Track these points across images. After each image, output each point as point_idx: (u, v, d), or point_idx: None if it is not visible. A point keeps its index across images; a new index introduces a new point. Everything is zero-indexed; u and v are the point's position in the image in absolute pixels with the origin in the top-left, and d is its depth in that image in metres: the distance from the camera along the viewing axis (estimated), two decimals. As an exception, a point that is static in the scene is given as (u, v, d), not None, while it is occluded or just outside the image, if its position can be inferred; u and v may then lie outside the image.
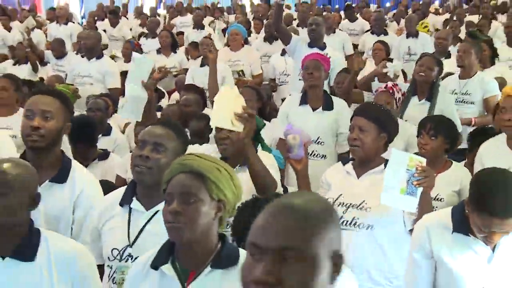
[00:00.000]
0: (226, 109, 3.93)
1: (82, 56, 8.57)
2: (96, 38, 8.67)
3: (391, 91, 5.58)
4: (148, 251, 2.81)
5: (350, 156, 4.22)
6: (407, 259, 3.28)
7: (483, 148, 4.78)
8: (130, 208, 3.18)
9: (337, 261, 1.69)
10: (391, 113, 4.13)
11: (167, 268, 2.52)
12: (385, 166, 3.79)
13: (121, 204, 3.21)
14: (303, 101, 5.87)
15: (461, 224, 3.03)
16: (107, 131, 5.97)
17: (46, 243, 2.79)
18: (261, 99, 5.59)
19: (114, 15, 14.72)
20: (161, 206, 2.96)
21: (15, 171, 2.75)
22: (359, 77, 7.04)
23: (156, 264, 2.55)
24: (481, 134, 5.21)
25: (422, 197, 3.52)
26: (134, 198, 3.19)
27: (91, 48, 8.36)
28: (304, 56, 6.19)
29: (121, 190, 3.31)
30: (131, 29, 15.40)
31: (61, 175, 3.46)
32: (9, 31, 13.41)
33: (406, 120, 5.75)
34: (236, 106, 3.93)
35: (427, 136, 4.71)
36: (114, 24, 14.17)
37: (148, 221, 3.13)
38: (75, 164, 3.60)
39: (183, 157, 2.63)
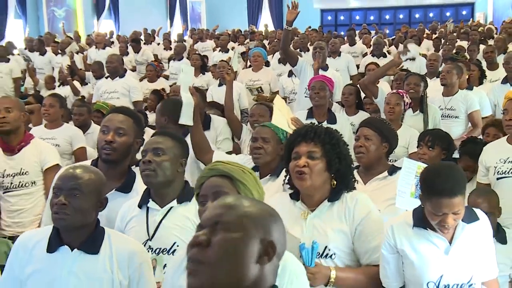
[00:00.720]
0: (282, 114, 4.16)
1: (106, 78, 8.88)
2: (118, 61, 8.93)
3: (401, 95, 5.73)
4: (164, 242, 3.04)
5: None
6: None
7: (486, 146, 4.86)
8: (148, 208, 3.27)
9: (267, 247, 1.77)
10: (392, 127, 4.20)
11: None
12: (388, 173, 3.86)
13: (140, 206, 3.30)
14: (310, 116, 5.93)
15: (420, 219, 3.02)
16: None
17: (109, 239, 2.84)
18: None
19: (136, 42, 14.93)
20: (173, 203, 3.22)
21: (87, 176, 2.80)
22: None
23: None
24: (470, 143, 5.25)
25: None
26: (150, 199, 3.28)
27: (114, 70, 8.71)
28: (311, 78, 6.28)
29: (139, 195, 3.40)
30: (157, 55, 15.55)
31: (126, 186, 3.54)
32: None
33: None
34: (288, 113, 4.20)
35: (426, 147, 4.79)
36: (137, 50, 14.35)
37: (164, 217, 3.22)
38: (138, 176, 3.63)
39: (212, 163, 2.68)
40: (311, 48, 10.17)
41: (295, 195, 3.06)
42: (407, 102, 5.81)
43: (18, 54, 13.32)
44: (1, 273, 2.91)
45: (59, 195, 2.73)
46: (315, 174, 2.92)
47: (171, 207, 3.26)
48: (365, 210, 3.01)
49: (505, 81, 7.71)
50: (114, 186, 3.49)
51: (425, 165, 3.63)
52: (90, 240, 2.79)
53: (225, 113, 6.07)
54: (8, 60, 11.47)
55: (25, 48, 13.86)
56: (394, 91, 5.85)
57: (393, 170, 3.90)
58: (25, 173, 4.68)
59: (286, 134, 4.13)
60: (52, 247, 2.78)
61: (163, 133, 3.46)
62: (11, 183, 4.67)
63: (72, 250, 2.77)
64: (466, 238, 2.99)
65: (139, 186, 3.53)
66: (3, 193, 4.71)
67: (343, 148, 3.06)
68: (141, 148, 3.55)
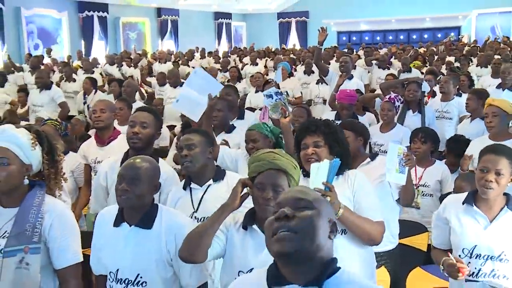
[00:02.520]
0: None
1: (170, 86, 9.16)
2: (176, 75, 9.26)
3: (392, 101, 5.68)
4: (206, 212, 3.01)
5: None
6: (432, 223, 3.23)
7: (471, 142, 4.85)
8: (191, 188, 3.32)
9: (333, 226, 1.77)
10: (363, 124, 4.17)
11: (256, 227, 2.58)
12: (370, 159, 3.83)
13: (184, 188, 3.34)
14: (337, 118, 5.82)
15: (470, 198, 2.97)
16: None
17: (161, 216, 2.79)
18: (310, 115, 5.58)
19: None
20: (210, 182, 3.33)
21: (145, 166, 2.76)
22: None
23: (246, 225, 2.60)
24: (454, 142, 5.25)
25: (408, 174, 3.60)
26: (191, 182, 3.32)
27: (175, 81, 9.05)
28: (341, 93, 6.15)
29: (182, 182, 3.46)
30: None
31: None
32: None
33: (405, 126, 5.85)
34: None
35: (420, 142, 4.76)
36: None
37: (204, 193, 3.29)
38: (161, 159, 3.66)
39: (270, 157, 2.61)
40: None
41: (307, 174, 2.98)
42: (398, 105, 5.82)
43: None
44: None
45: (122, 182, 2.71)
46: (321, 158, 2.92)
47: (209, 185, 3.30)
48: (362, 180, 3.01)
49: (499, 86, 7.65)
50: None
51: (404, 147, 3.65)
52: (145, 217, 2.76)
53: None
54: (93, 72, 11.66)
55: (105, 64, 14.10)
56: (387, 98, 5.77)
57: (373, 156, 3.89)
58: None
59: (271, 129, 4.12)
60: (117, 223, 2.78)
61: (192, 131, 3.49)
62: None
63: (130, 226, 2.76)
64: (507, 221, 2.89)
65: (162, 167, 3.51)
66: (94, 175, 4.69)
67: (340, 135, 3.08)
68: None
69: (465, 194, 3.06)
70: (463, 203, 2.99)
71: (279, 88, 6.44)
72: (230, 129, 5.03)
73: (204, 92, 4.29)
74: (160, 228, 2.76)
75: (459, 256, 2.92)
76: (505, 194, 2.94)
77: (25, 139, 2.70)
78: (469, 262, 2.89)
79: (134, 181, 2.70)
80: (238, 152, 4.33)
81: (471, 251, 2.90)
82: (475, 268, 2.88)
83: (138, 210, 2.76)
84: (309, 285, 1.69)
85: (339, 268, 1.74)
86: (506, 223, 2.88)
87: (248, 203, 2.64)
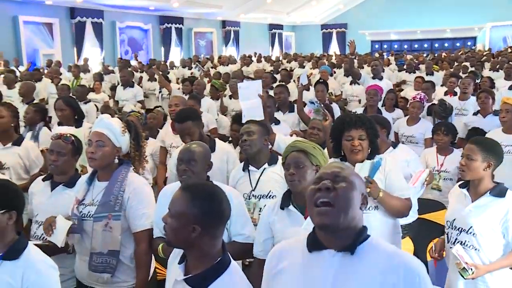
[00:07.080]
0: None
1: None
2: (238, 76, 9.30)
3: (422, 101, 5.55)
4: (263, 190, 3.00)
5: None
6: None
7: (487, 134, 4.71)
8: (249, 170, 3.25)
9: (364, 199, 1.67)
10: (386, 118, 4.09)
11: (292, 207, 2.51)
12: (393, 147, 3.79)
13: (243, 170, 3.28)
14: (365, 112, 5.64)
15: (466, 183, 2.91)
16: None
17: None
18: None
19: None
20: (265, 165, 3.25)
21: (198, 149, 2.68)
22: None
23: (283, 206, 2.53)
24: (473, 131, 5.12)
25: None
26: (250, 165, 3.26)
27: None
28: (367, 86, 6.04)
29: (241, 164, 3.37)
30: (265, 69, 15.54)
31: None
32: None
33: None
34: None
35: (442, 134, 4.63)
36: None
37: (260, 174, 3.21)
38: (217, 139, 3.70)
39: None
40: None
41: (344, 159, 2.91)
42: (424, 104, 5.70)
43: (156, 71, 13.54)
44: None
45: (182, 164, 2.65)
46: (364, 150, 2.83)
47: (264, 168, 3.24)
48: (392, 165, 2.88)
49: (511, 87, 7.45)
50: None
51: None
52: None
53: (297, 111, 5.65)
54: (168, 73, 11.71)
55: (179, 66, 14.20)
56: (418, 99, 5.56)
57: (395, 145, 3.82)
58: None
59: None
60: None
61: (252, 121, 3.45)
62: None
63: None
64: (485, 204, 2.79)
65: (221, 145, 3.61)
66: (169, 157, 4.65)
67: (376, 129, 2.95)
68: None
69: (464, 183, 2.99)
70: (459, 187, 2.95)
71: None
72: (276, 122, 4.87)
73: (254, 95, 4.16)
74: None
75: (444, 226, 2.95)
76: (497, 183, 2.84)
77: (118, 127, 2.77)
78: (451, 232, 2.90)
79: (190, 162, 2.64)
80: (292, 138, 4.24)
81: (451, 222, 2.90)
82: (453, 237, 2.88)
83: None
84: (343, 250, 1.62)
85: (369, 235, 1.66)
86: (483, 205, 2.79)
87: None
